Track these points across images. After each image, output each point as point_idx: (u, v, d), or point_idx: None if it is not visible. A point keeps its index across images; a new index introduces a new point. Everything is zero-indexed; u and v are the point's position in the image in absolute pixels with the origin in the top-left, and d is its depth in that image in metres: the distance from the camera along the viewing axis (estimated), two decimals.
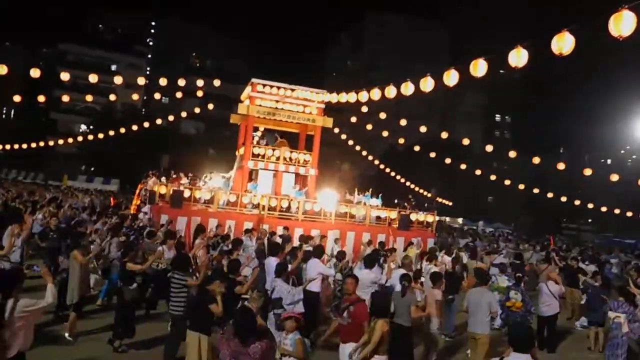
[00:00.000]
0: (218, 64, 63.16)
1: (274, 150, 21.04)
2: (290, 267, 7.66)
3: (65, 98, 28.29)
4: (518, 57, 7.81)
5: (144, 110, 52.52)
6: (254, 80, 20.99)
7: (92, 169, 48.96)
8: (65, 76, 19.91)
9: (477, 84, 63.07)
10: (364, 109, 20.98)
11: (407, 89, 12.38)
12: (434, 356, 7.69)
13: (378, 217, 19.57)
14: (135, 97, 31.49)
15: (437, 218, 20.57)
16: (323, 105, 21.36)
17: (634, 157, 58.22)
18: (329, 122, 21.49)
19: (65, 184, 41.17)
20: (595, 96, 58.70)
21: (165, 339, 6.97)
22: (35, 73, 18.39)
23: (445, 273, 9.55)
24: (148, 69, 58.47)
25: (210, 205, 18.45)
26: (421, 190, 35.82)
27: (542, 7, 70.50)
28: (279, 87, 20.81)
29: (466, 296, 7.87)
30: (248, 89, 21.45)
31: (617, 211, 26.68)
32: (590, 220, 60.05)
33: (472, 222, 45.94)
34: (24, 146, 31.66)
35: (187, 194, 17.78)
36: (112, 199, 26.55)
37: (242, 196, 18.50)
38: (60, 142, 32.52)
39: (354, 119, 22.96)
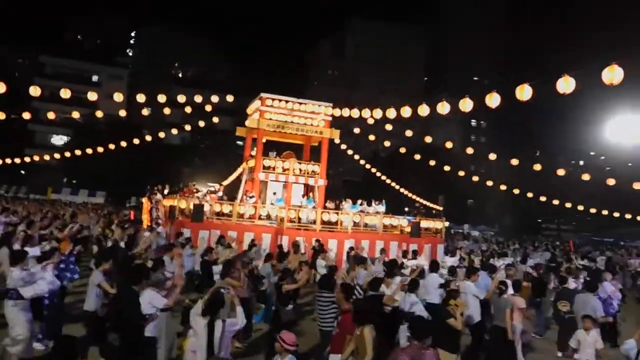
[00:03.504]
0: (200, 72, 63.01)
1: (283, 162, 21.46)
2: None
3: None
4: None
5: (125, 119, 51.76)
6: (262, 94, 21.37)
7: (74, 181, 48.06)
8: (38, 90, 18.92)
9: (455, 94, 65.11)
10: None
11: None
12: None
13: (390, 225, 20.15)
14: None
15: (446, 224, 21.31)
16: (330, 118, 21.91)
17: (602, 158, 60.91)
18: (335, 134, 22.07)
19: (50, 197, 40.38)
20: (565, 100, 61.16)
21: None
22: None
23: (532, 279, 10.31)
24: (129, 79, 57.81)
25: (229, 218, 18.60)
26: (407, 194, 36.49)
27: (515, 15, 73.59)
28: (287, 101, 21.32)
29: (575, 300, 8.95)
30: (257, 102, 21.80)
31: (593, 210, 27.87)
32: (561, 219, 62.52)
33: (457, 225, 47.19)
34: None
35: (207, 207, 18.00)
36: (131, 212, 26.20)
37: (259, 208, 18.84)
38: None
39: (357, 130, 23.55)
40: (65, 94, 17.48)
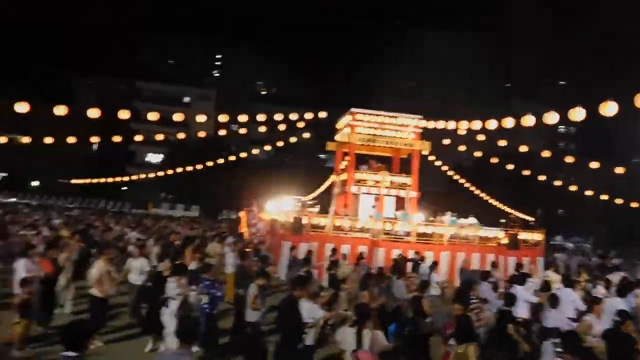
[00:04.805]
0: (282, 90, 65.54)
1: (375, 174, 21.85)
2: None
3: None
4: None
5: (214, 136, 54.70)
6: (353, 109, 21.96)
7: (170, 196, 51.42)
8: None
9: (539, 98, 62.53)
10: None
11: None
12: None
13: (486, 237, 19.87)
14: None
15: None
16: (420, 130, 22.08)
17: None
18: (426, 145, 22.15)
19: (151, 212, 43.54)
20: None
21: None
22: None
23: None
24: (217, 99, 61.29)
25: (323, 230, 19.19)
26: (496, 204, 35.43)
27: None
28: (377, 115, 21.77)
29: None
30: (347, 117, 22.41)
31: None
32: None
33: (549, 236, 44.94)
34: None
35: (305, 221, 18.72)
36: (239, 226, 27.69)
37: (356, 221, 19.32)
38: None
39: (447, 141, 23.51)
40: (177, 116, 18.97)
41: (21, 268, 8.70)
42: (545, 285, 9.02)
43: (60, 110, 16.13)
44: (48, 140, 23.67)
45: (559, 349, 5.50)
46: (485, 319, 7.31)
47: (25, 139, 23.68)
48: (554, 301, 7.47)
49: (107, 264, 8.73)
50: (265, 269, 8.67)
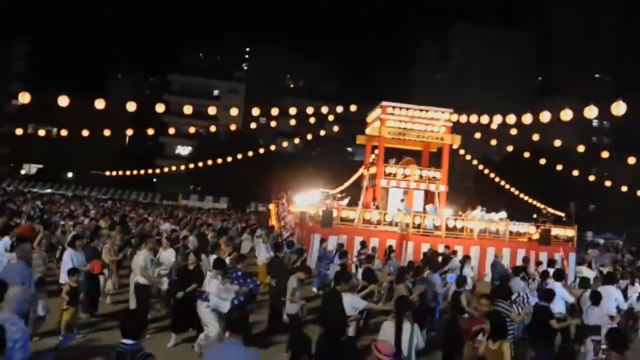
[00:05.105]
0: (310, 84, 65.79)
1: (404, 168, 21.80)
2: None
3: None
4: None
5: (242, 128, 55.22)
6: (384, 103, 21.89)
7: (199, 188, 52.21)
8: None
9: (572, 91, 61.11)
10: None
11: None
12: None
13: (517, 232, 19.71)
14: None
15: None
16: (450, 124, 21.90)
17: None
18: (457, 139, 21.95)
19: (181, 204, 44.38)
20: None
21: None
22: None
23: None
24: (246, 92, 61.74)
25: (352, 223, 19.30)
26: (527, 199, 34.91)
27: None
28: (408, 108, 21.65)
29: None
30: (377, 111, 22.37)
31: None
32: None
33: (580, 232, 44.08)
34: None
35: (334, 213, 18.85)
36: (269, 218, 28.10)
37: (385, 214, 19.37)
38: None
39: (477, 135, 23.30)
40: (209, 110, 19.31)
41: (69, 258, 9.08)
42: (583, 282, 8.91)
43: (99, 104, 16.60)
44: (84, 133, 24.49)
45: (604, 346, 5.45)
46: (523, 314, 7.32)
47: (63, 132, 24.55)
48: (597, 298, 7.38)
49: (150, 253, 9.05)
50: (305, 263, 8.83)
